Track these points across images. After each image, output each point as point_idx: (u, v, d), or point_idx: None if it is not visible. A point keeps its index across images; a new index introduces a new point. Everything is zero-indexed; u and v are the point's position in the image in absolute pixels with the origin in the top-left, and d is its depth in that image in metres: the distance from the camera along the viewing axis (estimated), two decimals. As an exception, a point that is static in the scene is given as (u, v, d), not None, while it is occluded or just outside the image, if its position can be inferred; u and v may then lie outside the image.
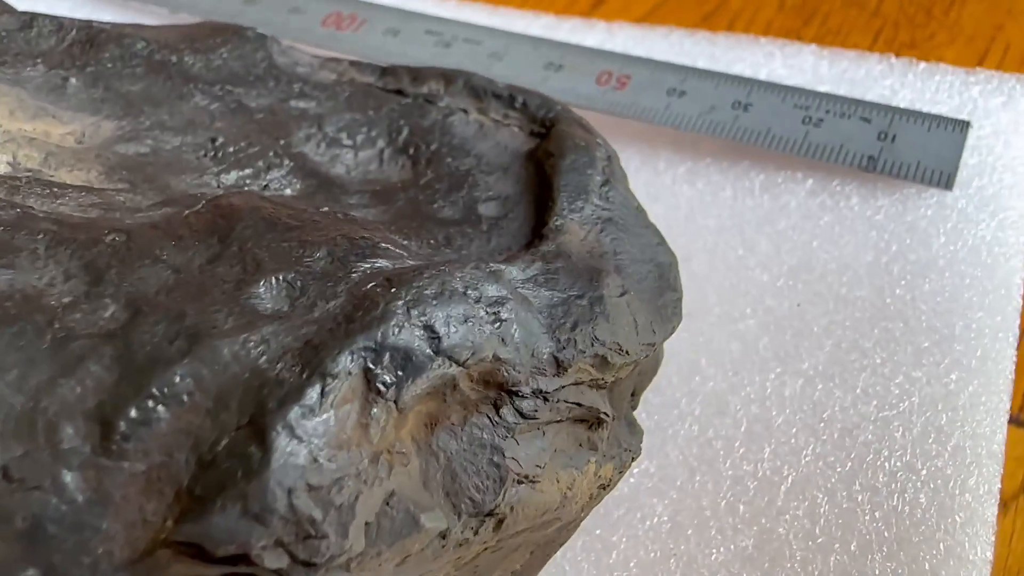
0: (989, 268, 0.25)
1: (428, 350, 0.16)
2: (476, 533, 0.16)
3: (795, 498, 0.22)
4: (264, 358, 0.15)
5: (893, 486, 0.22)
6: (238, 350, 0.15)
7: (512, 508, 0.17)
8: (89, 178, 0.20)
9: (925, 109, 0.29)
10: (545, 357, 0.17)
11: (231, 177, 0.21)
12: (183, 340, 0.15)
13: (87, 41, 0.24)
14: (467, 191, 0.22)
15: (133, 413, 0.14)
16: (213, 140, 0.22)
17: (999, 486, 0.22)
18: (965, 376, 0.23)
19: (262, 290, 0.16)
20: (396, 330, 0.16)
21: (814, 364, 0.24)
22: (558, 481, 0.17)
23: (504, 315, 0.17)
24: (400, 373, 0.16)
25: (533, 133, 0.24)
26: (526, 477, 0.17)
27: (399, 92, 0.26)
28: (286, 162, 0.22)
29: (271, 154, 0.22)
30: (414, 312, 0.16)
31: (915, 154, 0.28)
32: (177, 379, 0.15)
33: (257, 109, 0.24)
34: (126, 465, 0.14)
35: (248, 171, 0.21)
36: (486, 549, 0.18)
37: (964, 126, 0.28)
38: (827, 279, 0.26)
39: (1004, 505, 0.22)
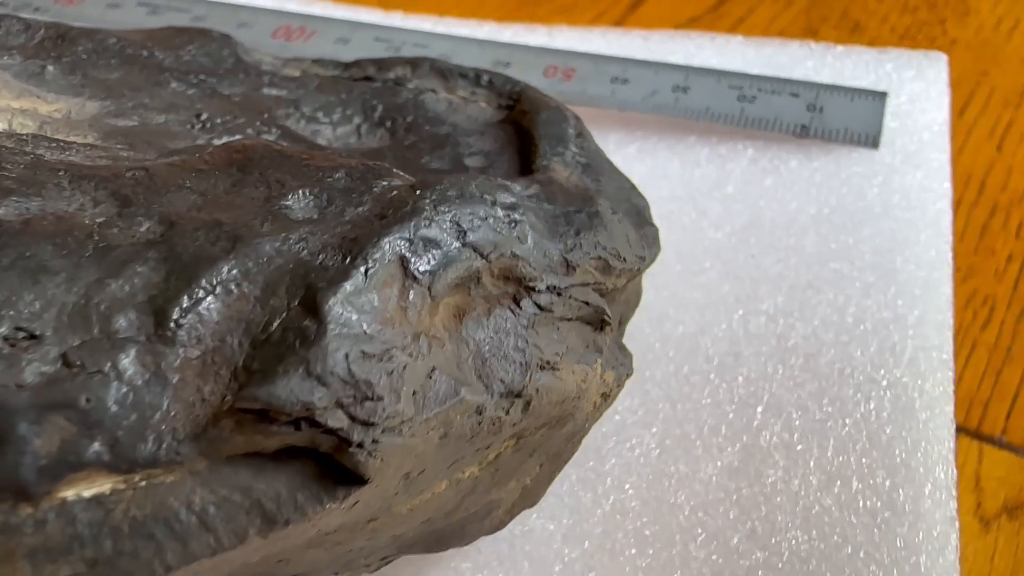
0: (919, 211, 0.29)
1: (456, 243, 0.18)
2: (507, 412, 0.18)
3: (771, 415, 0.25)
4: (305, 251, 0.17)
5: (858, 396, 0.25)
6: (279, 246, 0.17)
7: (537, 391, 0.18)
8: (88, 141, 0.22)
9: (846, 84, 0.32)
10: (555, 258, 0.19)
11: (223, 141, 0.23)
12: (225, 241, 0.17)
13: (58, 37, 0.26)
14: (451, 149, 0.24)
15: (184, 304, 0.16)
16: (198, 115, 0.24)
17: (952, 388, 0.25)
18: (910, 301, 0.27)
19: (291, 201, 0.18)
20: (427, 223, 0.17)
21: (773, 303, 0.27)
22: (574, 372, 0.19)
23: (517, 217, 0.19)
24: (432, 262, 0.17)
25: (501, 106, 0.27)
26: (548, 363, 0.19)
27: (367, 79, 0.28)
28: (273, 130, 0.24)
29: (258, 123, 0.24)
30: (441, 208, 0.18)
31: (842, 121, 0.31)
32: (224, 272, 0.16)
33: (233, 95, 0.25)
34: (181, 351, 0.16)
35: (238, 136, 0.23)
36: (507, 448, 0.19)
37: (882, 96, 0.32)
38: (776, 232, 0.29)
39: (986, 524, 0.24)
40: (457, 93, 0.28)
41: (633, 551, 0.23)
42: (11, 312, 0.15)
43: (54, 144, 0.21)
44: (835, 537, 0.22)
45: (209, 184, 0.19)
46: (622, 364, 0.22)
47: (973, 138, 0.33)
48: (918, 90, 0.33)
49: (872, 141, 0.31)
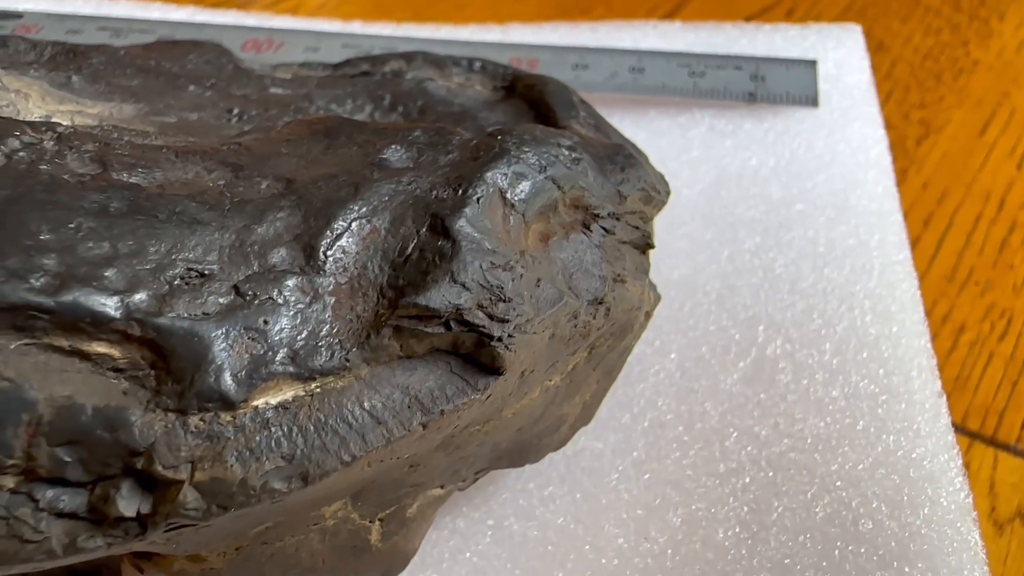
0: (863, 154, 0.35)
1: (539, 176, 0.22)
2: (594, 317, 0.22)
3: (772, 332, 0.29)
4: (419, 190, 0.20)
5: (842, 308, 0.30)
6: (395, 187, 0.20)
7: (614, 299, 0.22)
8: (149, 133, 0.24)
9: (780, 56, 0.38)
10: (610, 190, 0.23)
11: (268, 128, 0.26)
12: (347, 187, 0.20)
13: (67, 53, 0.28)
14: (471, 122, 0.28)
15: (328, 239, 0.19)
16: (230, 111, 0.27)
17: (918, 293, 0.30)
18: (868, 228, 0.32)
19: (388, 155, 0.22)
20: (515, 160, 0.21)
21: (753, 243, 0.32)
22: (635, 287, 0.23)
23: (578, 156, 0.23)
24: (523, 193, 0.21)
25: (496, 88, 0.31)
26: (619, 276, 0.23)
27: (364, 74, 0.31)
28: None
29: (291, 111, 0.27)
30: (523, 148, 0.22)
31: (783, 87, 0.37)
32: (356, 211, 0.20)
33: (248, 95, 0.28)
34: (331, 278, 0.19)
35: (285, 120, 0.26)
36: (581, 359, 0.23)
37: (813, 63, 0.38)
38: (743, 184, 0.34)
39: (999, 528, 0.26)
40: (453, 80, 0.31)
41: (677, 454, 0.27)
42: (181, 256, 0.19)
43: (134, 133, 0.23)
44: (847, 419, 0.27)
45: (303, 149, 0.22)
46: (654, 289, 0.26)
47: (993, 156, 0.34)
48: (841, 57, 0.39)
49: (812, 101, 0.37)
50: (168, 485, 0.17)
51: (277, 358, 0.18)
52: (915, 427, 0.27)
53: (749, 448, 0.27)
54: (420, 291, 0.19)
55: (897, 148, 0.37)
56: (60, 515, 0.17)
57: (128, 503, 0.17)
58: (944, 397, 0.28)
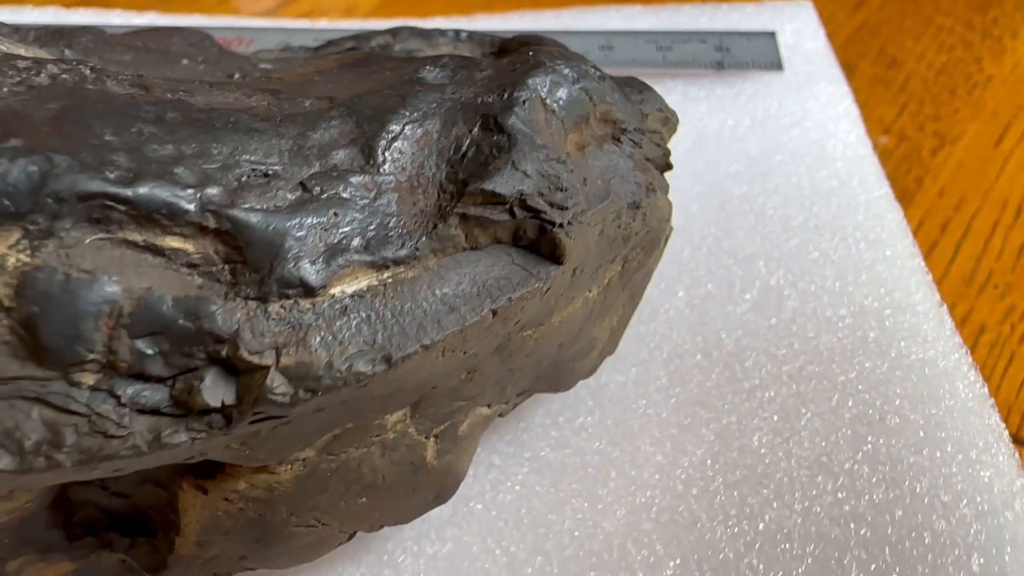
0: (832, 109, 0.37)
1: (574, 87, 0.23)
2: (633, 220, 0.23)
3: (773, 264, 0.31)
4: (463, 97, 0.21)
5: (835, 241, 0.32)
6: (440, 96, 0.21)
7: (649, 206, 0.23)
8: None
9: (740, 30, 0.41)
10: (632, 108, 0.25)
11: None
12: (395, 98, 0.21)
13: (53, 33, 0.28)
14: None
15: (384, 141, 0.20)
16: (231, 76, 0.27)
17: (910, 236, 0.32)
18: (848, 171, 0.34)
19: (424, 73, 0.22)
20: (550, 70, 0.22)
21: (740, 192, 0.34)
22: (663, 199, 0.24)
23: (602, 75, 0.24)
24: (561, 101, 0.22)
25: (486, 55, 0.32)
26: (650, 185, 0.24)
27: (351, 51, 0.32)
28: None
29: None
30: (556, 61, 0.23)
31: (747, 55, 0.39)
32: (407, 115, 0.21)
33: (241, 67, 0.28)
34: (391, 176, 0.20)
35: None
36: (615, 274, 0.24)
37: (772, 34, 0.40)
38: (722, 143, 0.36)
39: None
40: (441, 49, 0.32)
41: (699, 378, 0.28)
42: (243, 157, 0.19)
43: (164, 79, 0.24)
44: (858, 333, 0.28)
45: (337, 78, 0.23)
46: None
47: (1010, 166, 0.34)
48: (797, 28, 0.42)
49: (776, 65, 0.39)
50: (253, 372, 0.18)
51: (352, 246, 0.19)
52: (922, 334, 0.28)
53: (768, 367, 0.28)
54: (485, 178, 0.20)
55: (912, 158, 0.37)
56: (143, 411, 0.17)
57: (213, 392, 0.18)
58: (945, 306, 0.29)
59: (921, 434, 0.25)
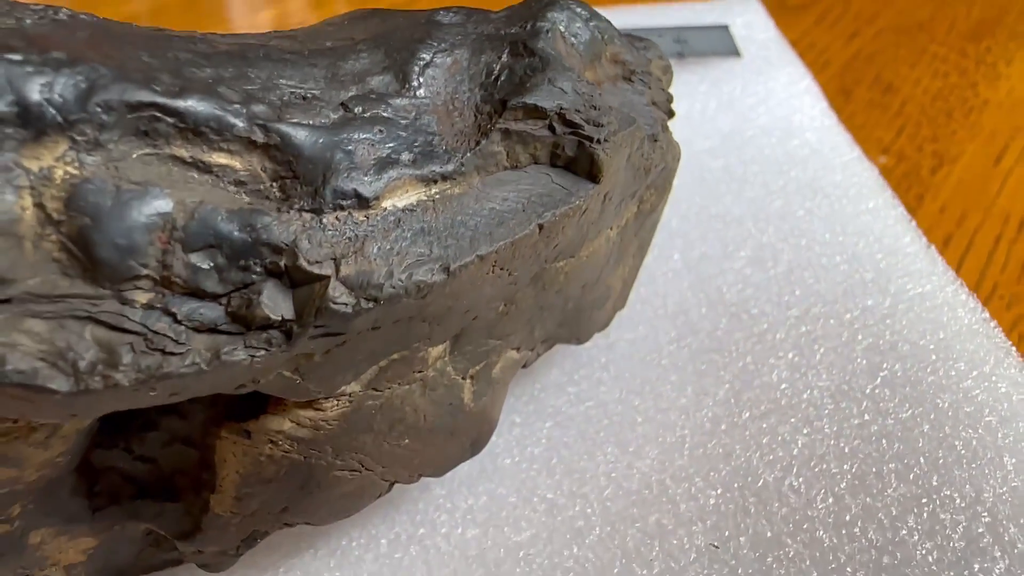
0: (795, 87, 0.39)
1: (588, 24, 0.23)
2: (653, 151, 0.23)
3: (757, 210, 0.32)
4: (486, 31, 0.22)
5: (818, 197, 0.33)
6: (464, 29, 0.22)
7: (665, 141, 0.24)
8: None
9: (694, 25, 0.42)
10: (635, 53, 0.25)
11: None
12: (419, 32, 0.21)
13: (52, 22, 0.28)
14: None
15: (417, 68, 0.20)
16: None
17: (889, 191, 0.33)
18: (817, 140, 0.36)
19: (440, 16, 0.23)
20: (564, 7, 0.23)
21: (719, 164, 0.35)
22: (673, 140, 0.25)
23: (608, 20, 0.25)
24: (577, 36, 0.23)
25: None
26: (664, 122, 0.24)
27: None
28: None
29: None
30: (569, 2, 0.23)
31: (705, 45, 0.41)
32: (436, 45, 0.21)
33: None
34: (427, 99, 0.20)
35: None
36: (631, 215, 0.25)
37: (724, 27, 0.42)
38: (692, 123, 0.37)
39: None
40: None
41: (708, 327, 0.28)
42: (281, 82, 0.19)
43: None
44: (856, 276, 0.30)
45: (350, 28, 0.23)
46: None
47: (1010, 183, 0.33)
48: (747, 20, 0.44)
49: (735, 52, 0.41)
50: (313, 283, 0.17)
51: (400, 159, 0.19)
52: (917, 271, 0.29)
53: (775, 313, 0.29)
54: (526, 94, 0.20)
55: (912, 176, 0.37)
56: (199, 330, 0.17)
57: (272, 305, 0.17)
58: (933, 247, 0.30)
59: (933, 357, 0.26)
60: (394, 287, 0.18)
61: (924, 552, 0.21)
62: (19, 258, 0.16)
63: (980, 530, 0.22)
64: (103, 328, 0.16)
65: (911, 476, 0.23)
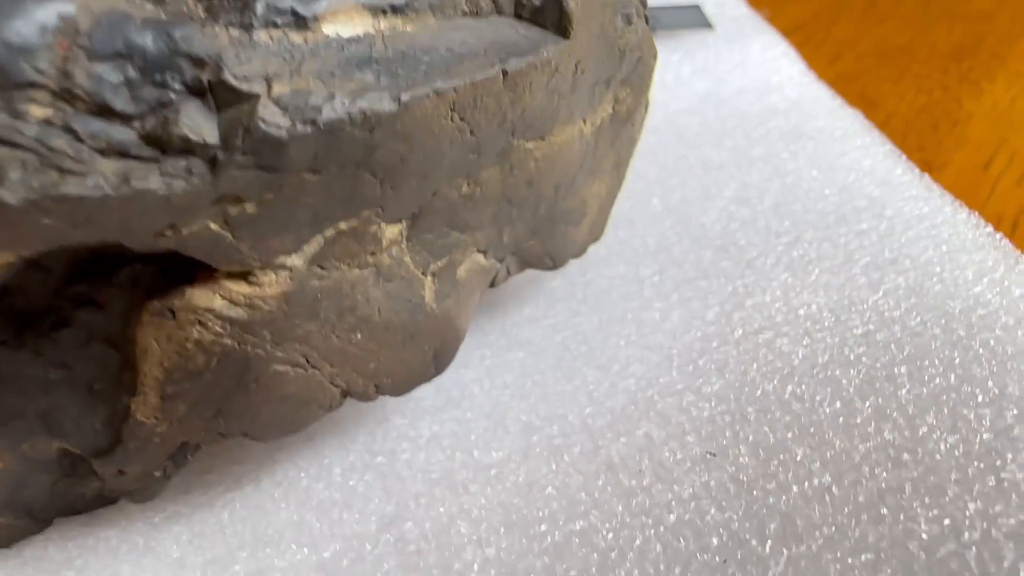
0: (770, 51, 0.38)
1: None
2: (627, 31, 0.21)
3: (746, 167, 0.30)
4: None
5: (798, 156, 0.31)
6: None
7: (640, 29, 0.22)
8: None
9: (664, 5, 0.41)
10: None
11: None
12: None
13: None
14: None
15: None
16: None
17: (875, 132, 0.32)
18: (798, 95, 0.34)
19: None
20: None
21: (701, 121, 0.33)
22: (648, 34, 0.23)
23: None
24: None
25: None
26: (639, 11, 0.22)
27: None
28: None
29: None
30: None
31: (678, 21, 0.40)
32: None
33: None
34: None
35: None
36: (607, 116, 0.23)
37: (696, 6, 0.41)
38: (667, 87, 0.36)
39: None
40: None
41: (692, 259, 0.26)
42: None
43: None
44: (848, 205, 0.28)
45: None
46: None
47: (1000, 187, 0.33)
48: (719, 0, 0.43)
49: (706, 24, 0.40)
50: (241, 103, 0.15)
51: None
52: (913, 196, 0.28)
53: (763, 242, 0.27)
54: None
55: None
56: (105, 153, 0.15)
57: (193, 125, 0.15)
58: (927, 175, 0.29)
59: (938, 268, 0.24)
60: (335, 111, 0.16)
61: (948, 446, 0.19)
62: None
63: (1008, 422, 0.19)
64: (-11, 142, 0.14)
65: (925, 377, 0.21)
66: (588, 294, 0.26)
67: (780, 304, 0.24)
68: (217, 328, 0.17)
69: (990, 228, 0.26)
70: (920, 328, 0.22)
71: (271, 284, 0.17)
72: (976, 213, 0.27)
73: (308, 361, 0.19)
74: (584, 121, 0.22)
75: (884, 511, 0.18)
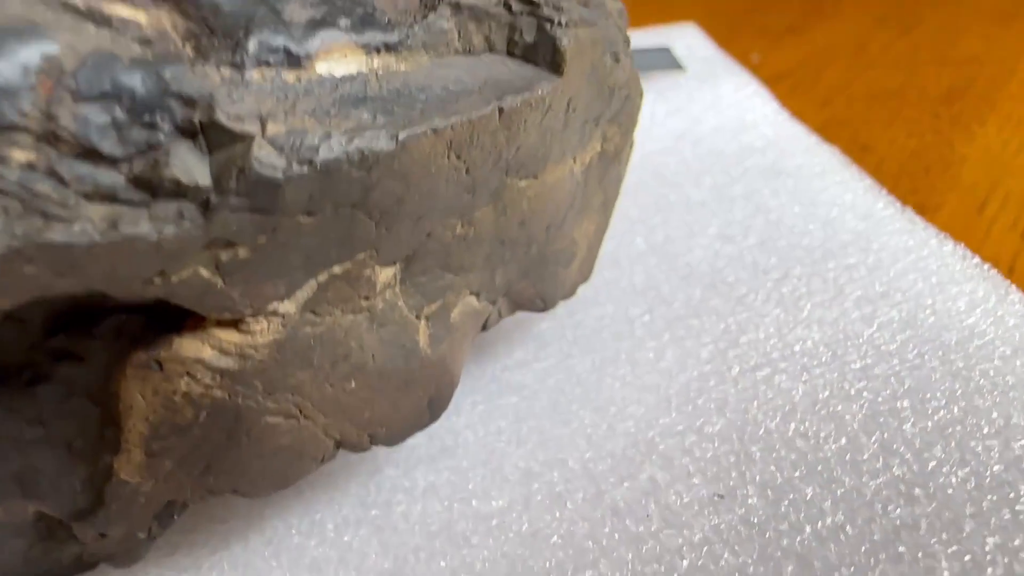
0: (742, 91, 0.38)
1: None
2: (616, 69, 0.21)
3: (726, 180, 0.30)
4: None
5: (782, 185, 0.31)
6: None
7: (627, 67, 0.22)
8: None
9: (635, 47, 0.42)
10: None
11: None
12: None
13: None
14: None
15: None
16: None
17: (854, 167, 0.32)
18: (771, 134, 0.34)
19: None
20: None
21: (669, 158, 0.33)
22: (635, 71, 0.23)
23: None
24: None
25: None
26: (626, 51, 0.22)
27: None
28: None
29: None
30: None
31: (648, 63, 0.40)
32: None
33: None
34: None
35: None
36: (595, 155, 0.23)
37: (666, 49, 0.42)
38: (642, 127, 0.36)
39: None
40: None
41: (682, 298, 0.26)
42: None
43: None
44: (835, 238, 0.28)
45: None
46: None
47: (995, 230, 0.32)
48: (687, 43, 0.43)
49: (679, 66, 0.40)
50: (235, 141, 0.15)
51: (337, 23, 0.16)
52: (898, 229, 0.28)
53: (752, 279, 0.26)
54: None
55: None
56: (91, 198, 0.14)
57: (184, 165, 0.14)
58: (910, 209, 0.29)
59: (930, 300, 0.24)
60: (332, 150, 0.15)
61: (959, 480, 0.19)
62: None
63: (1017, 453, 0.19)
64: (-35, 189, 0.13)
65: (928, 410, 0.21)
66: (579, 335, 0.25)
67: (775, 340, 0.24)
68: (207, 379, 0.17)
69: (977, 259, 0.26)
70: (918, 361, 0.22)
71: (263, 332, 0.17)
72: (963, 244, 0.27)
73: (301, 412, 0.18)
74: (574, 160, 0.22)
75: (902, 549, 0.17)
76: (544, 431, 0.22)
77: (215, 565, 0.19)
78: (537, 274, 0.23)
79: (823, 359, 0.23)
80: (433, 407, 0.20)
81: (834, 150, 0.33)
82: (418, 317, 0.19)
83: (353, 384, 0.18)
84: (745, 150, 0.34)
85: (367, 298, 0.18)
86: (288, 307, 0.17)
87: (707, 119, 0.37)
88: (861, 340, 0.23)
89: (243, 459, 0.18)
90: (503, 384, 0.24)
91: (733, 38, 0.42)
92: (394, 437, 0.20)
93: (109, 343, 0.17)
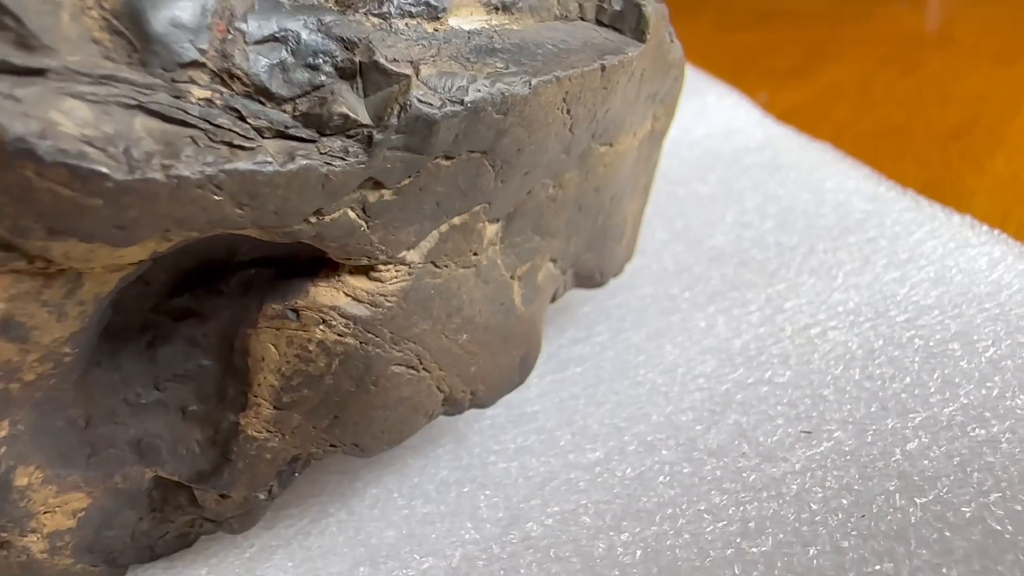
0: (726, 100, 0.40)
1: None
2: (672, 47, 0.23)
3: (737, 172, 0.32)
4: None
5: (783, 182, 0.33)
6: None
7: (672, 41, 0.23)
8: None
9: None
10: None
11: None
12: None
13: None
14: None
15: None
16: None
17: (848, 161, 0.34)
18: (764, 139, 0.36)
19: None
20: None
21: (667, 162, 0.35)
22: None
23: None
24: None
25: None
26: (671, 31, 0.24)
27: None
28: None
29: None
30: None
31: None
32: None
33: None
34: None
35: None
36: (645, 131, 0.24)
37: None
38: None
39: None
40: None
41: (718, 275, 0.27)
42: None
43: None
44: (847, 219, 0.30)
45: None
46: None
47: None
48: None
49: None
50: (392, 82, 0.16)
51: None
52: (903, 206, 0.30)
53: (779, 256, 0.28)
54: None
55: None
56: (264, 133, 0.15)
57: (348, 102, 0.15)
58: (911, 190, 0.31)
59: (952, 261, 0.26)
60: (479, 91, 0.16)
61: (1023, 403, 0.20)
62: (55, 27, 0.13)
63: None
64: (156, 119, 0.14)
65: (979, 349, 0.22)
66: (625, 313, 0.26)
67: (818, 304, 0.25)
68: (340, 327, 0.17)
69: (987, 226, 0.28)
70: (957, 311, 0.24)
71: (392, 280, 0.17)
72: (970, 216, 0.29)
73: (421, 362, 0.19)
74: (634, 135, 0.23)
75: (991, 459, 0.19)
76: (619, 392, 0.23)
77: (325, 528, 0.19)
78: (599, 246, 0.24)
79: (868, 315, 0.24)
80: (523, 366, 0.21)
81: (827, 146, 0.36)
82: (512, 277, 0.20)
83: (464, 337, 0.19)
84: (740, 150, 0.36)
85: (475, 253, 0.19)
86: (414, 256, 0.18)
87: (696, 127, 0.39)
88: (899, 298, 0.25)
89: (369, 410, 0.18)
90: (563, 359, 0.25)
91: (739, 79, 0.44)
92: (491, 396, 0.21)
93: (236, 299, 0.18)
